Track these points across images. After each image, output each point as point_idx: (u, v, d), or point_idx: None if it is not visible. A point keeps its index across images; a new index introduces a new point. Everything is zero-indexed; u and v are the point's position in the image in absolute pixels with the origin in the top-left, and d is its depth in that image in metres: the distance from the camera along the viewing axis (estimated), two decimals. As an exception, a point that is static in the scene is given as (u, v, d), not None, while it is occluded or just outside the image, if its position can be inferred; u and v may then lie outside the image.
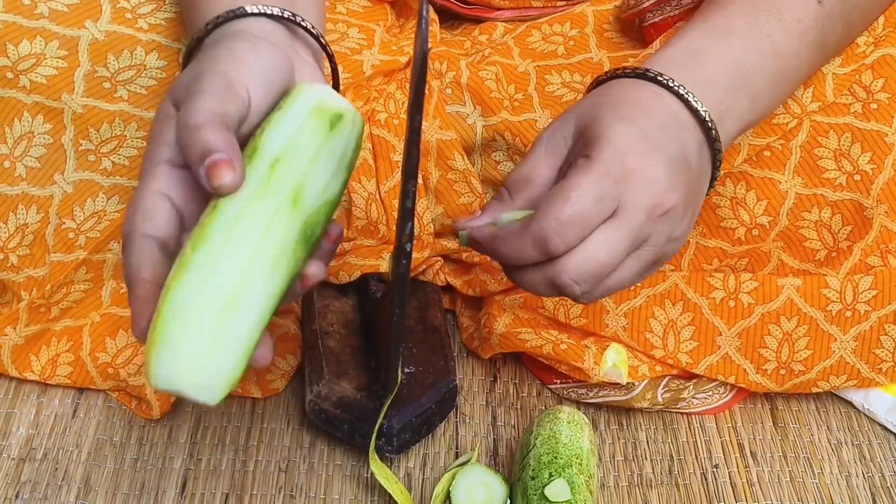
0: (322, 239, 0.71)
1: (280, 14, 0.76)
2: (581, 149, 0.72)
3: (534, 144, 0.76)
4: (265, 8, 0.76)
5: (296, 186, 0.67)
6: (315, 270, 0.69)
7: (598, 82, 0.80)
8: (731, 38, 0.80)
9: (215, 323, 0.63)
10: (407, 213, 0.75)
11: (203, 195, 0.67)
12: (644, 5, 0.96)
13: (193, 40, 0.76)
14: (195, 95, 0.67)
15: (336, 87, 0.83)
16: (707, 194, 0.79)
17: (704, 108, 0.75)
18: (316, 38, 0.79)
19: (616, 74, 0.78)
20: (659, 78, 0.75)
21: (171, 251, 0.66)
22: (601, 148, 0.70)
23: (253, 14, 0.75)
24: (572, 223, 0.68)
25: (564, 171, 0.74)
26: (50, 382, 0.98)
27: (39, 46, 0.87)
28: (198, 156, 0.64)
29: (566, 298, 0.97)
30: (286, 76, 0.73)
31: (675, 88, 0.75)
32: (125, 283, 0.67)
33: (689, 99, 0.75)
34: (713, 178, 0.78)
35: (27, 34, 0.87)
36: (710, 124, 0.75)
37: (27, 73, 0.88)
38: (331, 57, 0.81)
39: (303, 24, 0.78)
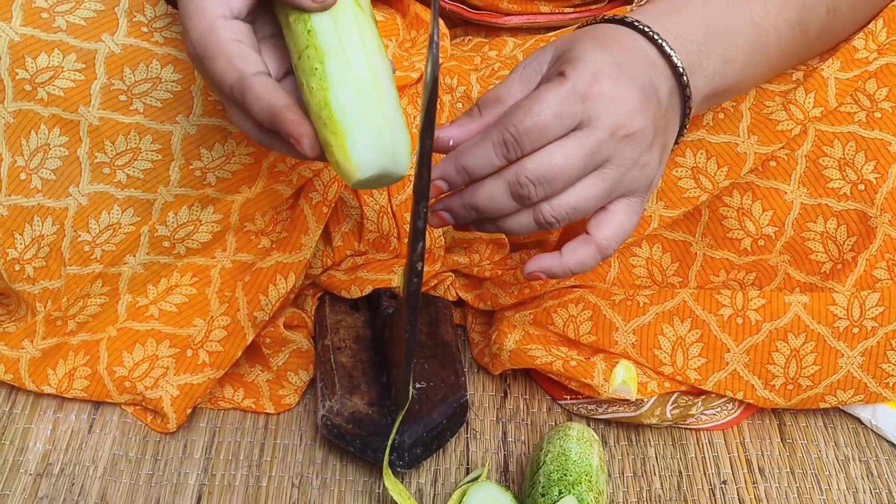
0: None
1: None
2: (557, 68, 0.77)
3: (512, 70, 0.80)
4: None
5: None
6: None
7: (579, 27, 0.84)
8: (708, 1, 0.84)
9: (378, 107, 0.71)
10: (418, 234, 0.76)
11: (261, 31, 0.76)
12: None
13: None
14: None
15: None
16: (675, 145, 0.83)
17: (678, 56, 0.79)
18: None
19: (596, 21, 0.83)
20: (636, 24, 0.80)
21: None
22: (575, 67, 0.75)
23: None
24: (528, 132, 0.74)
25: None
26: (67, 396, 0.99)
27: (57, 59, 0.89)
28: None
29: (574, 318, 0.98)
30: None
31: (652, 36, 0.80)
32: (262, 120, 0.72)
33: (664, 46, 0.79)
34: (682, 128, 0.82)
35: (45, 47, 0.88)
36: (681, 71, 0.80)
37: (45, 85, 0.89)
38: None
39: None
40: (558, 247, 0.81)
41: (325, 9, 0.73)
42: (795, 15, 0.86)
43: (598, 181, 0.76)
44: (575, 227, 0.82)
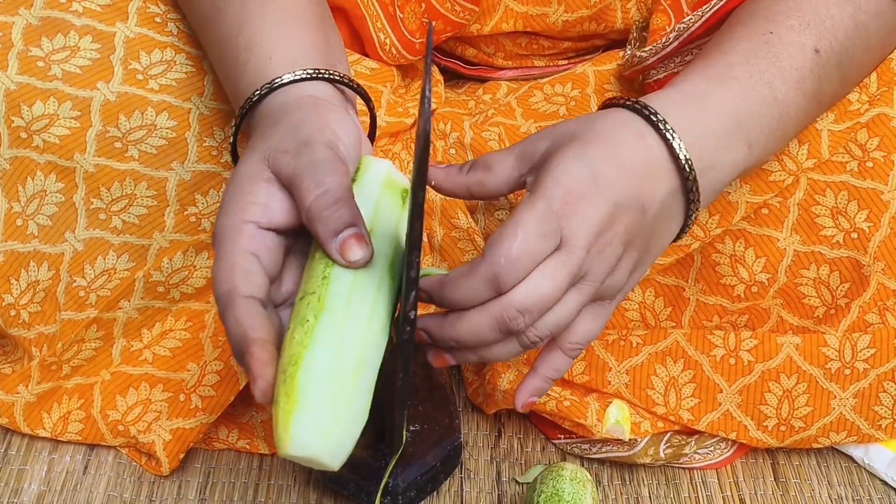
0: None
1: (331, 77, 0.80)
2: (535, 178, 0.75)
3: (514, 145, 0.79)
4: (325, 73, 0.80)
5: (391, 254, 0.73)
6: None
7: (602, 106, 0.81)
8: (732, 84, 0.81)
9: (349, 389, 0.68)
10: (411, 283, 0.77)
11: (286, 258, 0.74)
12: (649, 62, 0.97)
13: (255, 98, 0.79)
14: (317, 167, 0.71)
15: (373, 135, 0.87)
16: (676, 241, 0.81)
17: (686, 156, 0.76)
18: (363, 97, 0.83)
19: (617, 103, 0.79)
20: (652, 117, 0.76)
21: (268, 313, 0.70)
22: (546, 185, 0.73)
23: (309, 79, 0.79)
24: (519, 259, 0.71)
25: (524, 181, 0.77)
26: (61, 439, 1.00)
27: (53, 107, 0.89)
28: (332, 230, 0.69)
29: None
30: (357, 143, 0.77)
31: (664, 131, 0.76)
32: (233, 343, 0.69)
33: (674, 144, 0.76)
34: (685, 227, 0.80)
35: (41, 95, 0.89)
36: (687, 173, 0.76)
37: (40, 133, 0.90)
38: (371, 110, 0.85)
39: (352, 85, 0.82)
40: None
41: (353, 267, 0.70)
42: (812, 88, 0.84)
43: (576, 297, 0.75)
44: None
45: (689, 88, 0.80)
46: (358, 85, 0.82)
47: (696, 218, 0.80)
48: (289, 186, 0.72)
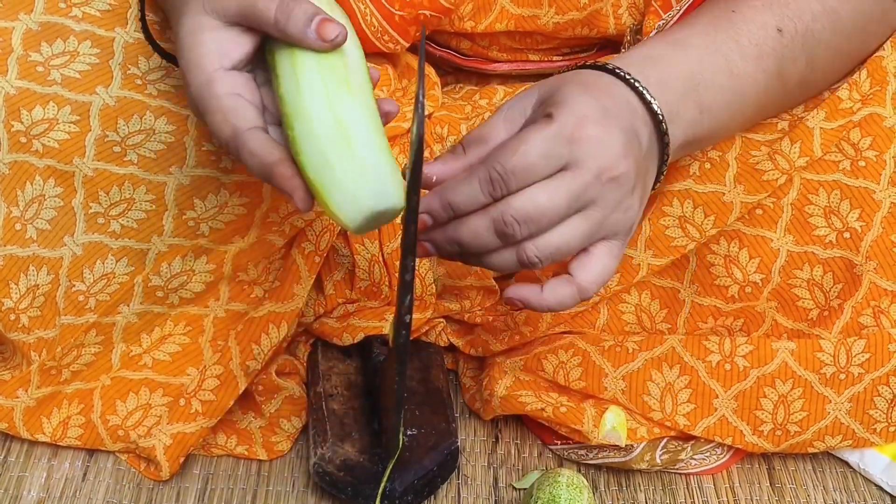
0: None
1: None
2: (543, 111, 0.78)
3: (496, 110, 0.81)
4: None
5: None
6: (391, 107, 0.80)
7: (560, 73, 0.85)
8: (687, 50, 0.85)
9: (347, 158, 0.72)
10: (406, 286, 0.78)
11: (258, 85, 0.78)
12: None
13: None
14: None
15: None
16: (653, 190, 0.84)
17: (657, 104, 0.81)
18: None
19: (579, 67, 0.84)
20: (617, 71, 0.81)
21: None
22: (562, 110, 0.76)
23: None
24: (514, 171, 0.74)
25: None
26: (61, 444, 1.00)
27: (52, 112, 0.90)
28: (304, 21, 0.74)
29: (564, 364, 0.99)
30: None
31: (632, 82, 0.81)
32: (256, 174, 0.75)
33: (645, 94, 0.81)
34: (659, 174, 0.84)
35: (40, 100, 0.90)
36: (661, 118, 0.81)
37: (40, 137, 0.90)
38: None
39: None
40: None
41: (335, 46, 0.75)
42: (773, 66, 0.87)
43: (581, 223, 0.77)
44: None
45: (645, 51, 0.85)
46: None
47: (665, 170, 0.83)
48: (242, 17, 0.76)
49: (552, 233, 0.76)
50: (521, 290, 0.81)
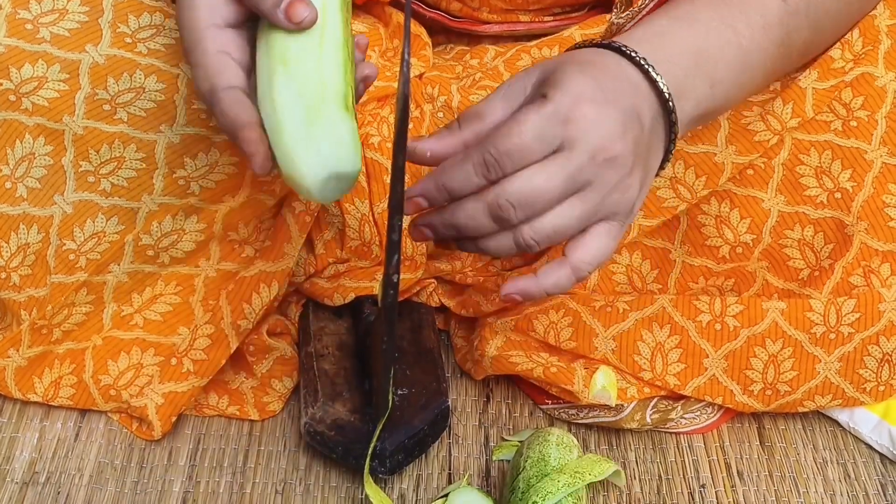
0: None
1: None
2: (539, 90, 0.77)
3: (496, 89, 0.80)
4: None
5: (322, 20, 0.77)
6: (370, 71, 0.81)
7: (567, 50, 0.84)
8: (694, 24, 0.83)
9: (320, 119, 0.74)
10: (394, 246, 0.78)
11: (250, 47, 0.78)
12: (627, 28, 0.98)
13: None
14: None
15: None
16: (660, 169, 0.82)
17: (664, 81, 0.79)
18: None
19: (583, 45, 0.82)
20: (623, 49, 0.80)
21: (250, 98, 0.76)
22: (557, 90, 0.75)
23: None
24: (509, 153, 0.73)
25: None
26: (53, 404, 1.00)
27: (41, 70, 0.90)
28: (273, 2, 0.74)
29: (555, 324, 0.99)
30: None
31: (638, 61, 0.79)
32: (226, 133, 0.76)
33: (650, 71, 0.79)
34: (667, 154, 0.82)
35: (29, 58, 0.89)
36: (667, 96, 0.79)
37: (29, 95, 0.90)
38: None
39: None
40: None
41: (302, 27, 0.75)
42: (779, 36, 0.86)
43: (578, 204, 0.75)
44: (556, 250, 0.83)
45: (651, 27, 0.84)
46: None
47: (674, 147, 0.82)
48: None
49: (548, 215, 0.75)
50: (516, 283, 0.80)
